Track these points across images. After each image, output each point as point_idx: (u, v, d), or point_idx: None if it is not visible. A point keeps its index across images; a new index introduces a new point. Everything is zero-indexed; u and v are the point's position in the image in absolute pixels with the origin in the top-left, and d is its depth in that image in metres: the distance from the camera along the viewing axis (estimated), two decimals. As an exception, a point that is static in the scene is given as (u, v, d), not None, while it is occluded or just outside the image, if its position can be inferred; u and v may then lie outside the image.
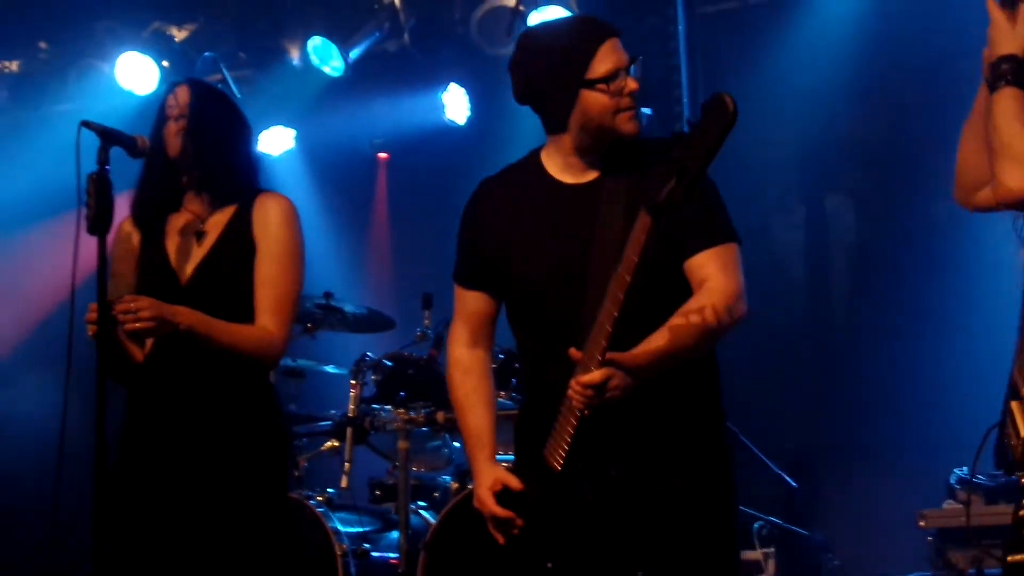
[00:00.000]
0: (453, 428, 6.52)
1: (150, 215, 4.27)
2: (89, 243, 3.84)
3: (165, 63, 8.86)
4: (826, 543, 7.27)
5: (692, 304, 3.60)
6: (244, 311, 4.12)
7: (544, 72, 3.73)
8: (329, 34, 8.58)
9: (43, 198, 8.46)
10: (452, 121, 8.88)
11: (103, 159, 3.89)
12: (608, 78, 3.69)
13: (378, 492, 7.00)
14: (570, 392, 3.44)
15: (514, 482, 3.74)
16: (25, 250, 9.13)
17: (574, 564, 3.65)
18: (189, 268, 4.16)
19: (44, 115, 9.23)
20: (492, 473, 3.81)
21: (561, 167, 3.83)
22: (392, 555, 6.46)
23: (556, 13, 7.86)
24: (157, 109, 4.31)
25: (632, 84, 3.71)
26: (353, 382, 6.67)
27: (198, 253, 4.18)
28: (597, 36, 3.73)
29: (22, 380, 8.85)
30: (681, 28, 8.00)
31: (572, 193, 3.80)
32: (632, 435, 3.66)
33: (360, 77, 8.82)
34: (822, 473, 7.72)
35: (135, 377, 4.13)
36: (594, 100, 3.69)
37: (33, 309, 9.04)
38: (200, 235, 4.21)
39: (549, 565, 3.65)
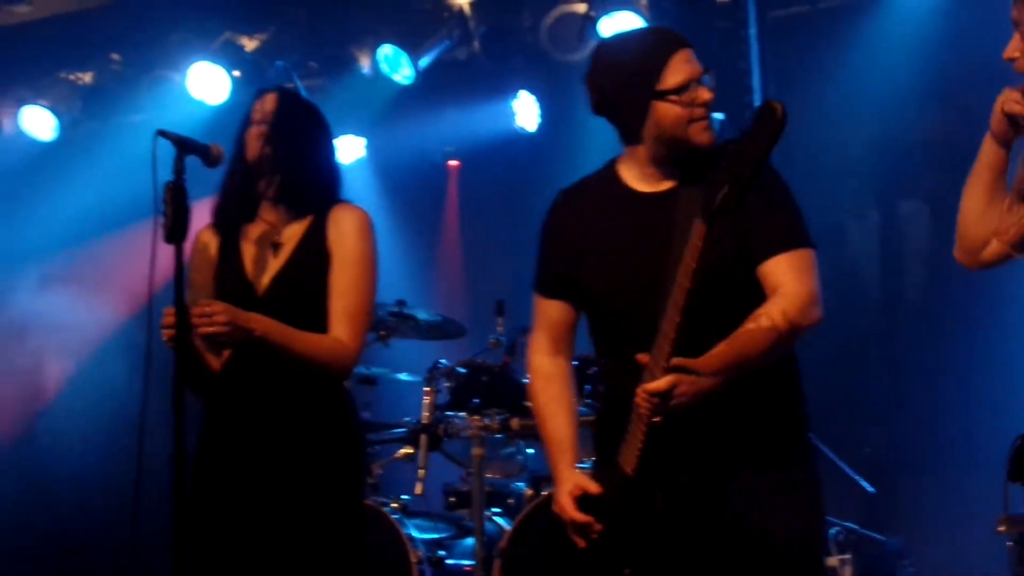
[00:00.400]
0: (527, 435, 6.52)
1: (229, 222, 4.29)
2: (166, 252, 3.86)
3: (236, 73, 8.92)
4: (903, 549, 7.19)
5: (764, 310, 3.58)
6: (319, 322, 4.13)
7: (616, 84, 3.75)
8: (399, 42, 8.61)
9: (117, 208, 8.56)
10: (523, 128, 8.89)
11: (179, 168, 3.90)
12: (680, 89, 3.69)
13: (452, 499, 7.00)
14: (636, 399, 3.44)
15: (593, 487, 3.73)
16: (101, 261, 9.20)
17: (651, 571, 3.63)
18: (265, 279, 4.17)
19: (117, 126, 9.30)
20: (572, 479, 3.80)
21: (637, 177, 3.83)
22: (467, 562, 6.46)
23: (626, 18, 7.86)
24: (243, 115, 4.33)
25: (705, 94, 3.71)
26: (427, 389, 6.67)
27: (274, 264, 4.18)
28: (669, 47, 3.73)
29: (101, 390, 8.91)
30: (752, 32, 7.95)
31: (648, 202, 3.79)
32: (703, 440, 3.63)
33: (430, 85, 8.84)
34: (899, 479, 7.66)
35: (212, 386, 4.14)
36: (667, 111, 3.69)
37: (111, 318, 9.10)
38: (276, 246, 4.22)
39: (627, 572, 3.63)
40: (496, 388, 6.66)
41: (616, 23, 7.86)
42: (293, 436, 4.06)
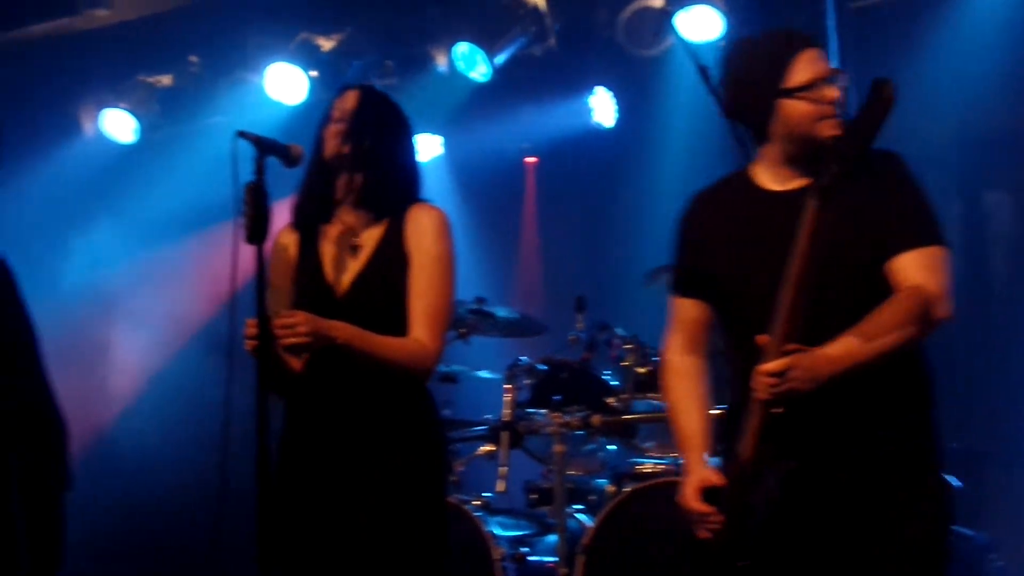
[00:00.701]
0: (608, 431, 6.50)
1: (307, 222, 4.29)
2: (247, 252, 3.86)
3: (313, 73, 8.95)
4: (991, 543, 7.10)
5: (889, 304, 3.58)
6: (399, 324, 4.12)
7: (744, 84, 3.82)
8: (475, 40, 8.60)
9: (197, 210, 8.62)
10: (599, 124, 8.85)
11: (259, 168, 3.90)
12: (806, 86, 3.72)
13: (534, 496, 6.99)
14: (752, 382, 3.47)
15: (717, 479, 3.76)
16: (182, 262, 9.27)
17: (765, 561, 3.67)
18: (345, 282, 4.16)
19: (196, 128, 9.37)
20: (699, 471, 3.85)
21: (770, 176, 3.87)
22: (549, 559, 6.45)
23: (704, 13, 7.81)
24: (322, 113, 4.33)
25: (832, 92, 3.72)
26: (507, 386, 6.67)
27: (354, 267, 4.17)
28: (795, 46, 3.77)
29: (183, 390, 8.97)
30: (831, 23, 7.88)
31: (780, 201, 3.81)
32: (820, 429, 3.64)
33: (506, 82, 8.83)
34: (985, 473, 7.56)
35: (293, 386, 4.15)
36: (793, 108, 3.74)
37: (194, 319, 9.16)
38: (355, 248, 4.21)
39: (743, 563, 3.67)
40: (576, 385, 6.65)
41: (693, 17, 7.82)
42: (375, 436, 4.06)
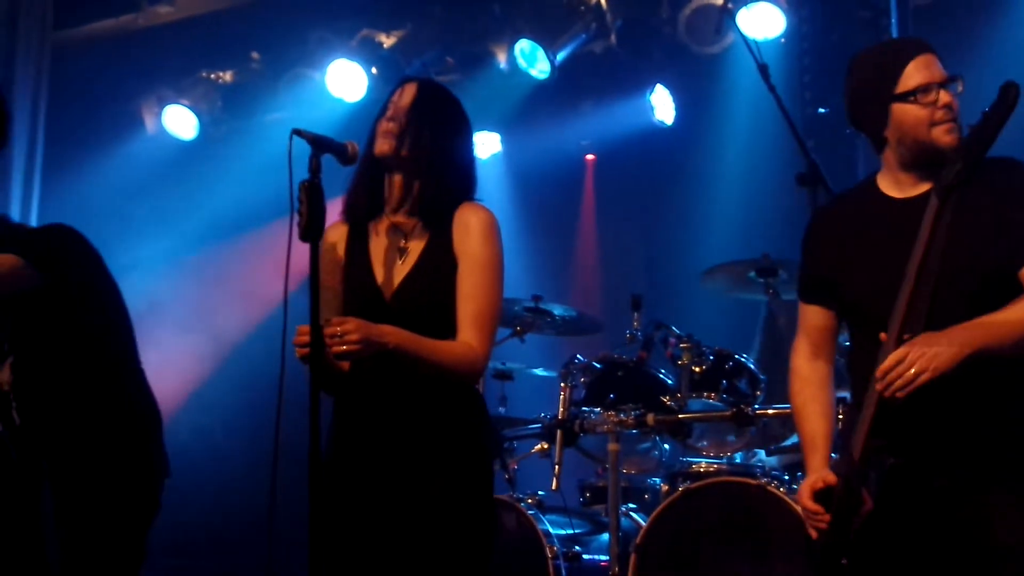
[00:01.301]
0: (663, 430, 6.48)
1: (356, 219, 4.27)
2: (302, 250, 3.87)
3: (374, 70, 8.99)
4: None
5: (1019, 301, 3.60)
6: (447, 325, 4.09)
7: (859, 91, 3.90)
8: (536, 37, 8.60)
9: (256, 206, 8.65)
10: (660, 122, 8.82)
11: (314, 166, 3.89)
12: (918, 90, 3.75)
13: (588, 494, 6.98)
14: (876, 375, 3.52)
15: (831, 478, 3.80)
16: (241, 258, 9.32)
17: (864, 559, 3.72)
18: (393, 284, 4.11)
19: (257, 125, 9.44)
20: (818, 472, 3.89)
21: (892, 183, 3.91)
22: (603, 557, 6.43)
23: (765, 10, 7.79)
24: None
25: (946, 97, 3.75)
26: (563, 384, 6.66)
27: (401, 269, 4.13)
28: (908, 52, 3.82)
29: (240, 386, 9.02)
30: (894, 21, 7.82)
31: (903, 207, 3.84)
32: (924, 426, 3.65)
33: (567, 79, 8.83)
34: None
35: (342, 388, 4.14)
36: (905, 113, 3.77)
37: (251, 315, 9.20)
38: (403, 250, 4.18)
39: (844, 562, 3.72)
40: (632, 383, 6.62)
41: (754, 15, 7.80)
42: (424, 438, 4.04)
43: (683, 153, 8.55)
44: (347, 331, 3.79)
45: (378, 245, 4.19)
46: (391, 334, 3.90)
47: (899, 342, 3.49)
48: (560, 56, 8.62)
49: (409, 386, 4.03)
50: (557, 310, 7.22)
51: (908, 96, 3.75)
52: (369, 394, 4.08)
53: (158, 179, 9.69)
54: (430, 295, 4.07)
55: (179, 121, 9.62)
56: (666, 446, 6.91)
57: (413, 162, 4.14)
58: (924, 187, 3.79)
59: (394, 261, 4.15)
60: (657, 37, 8.60)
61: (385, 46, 9.09)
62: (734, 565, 5.74)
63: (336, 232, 4.25)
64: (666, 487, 6.51)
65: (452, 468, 4.03)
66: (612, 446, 6.39)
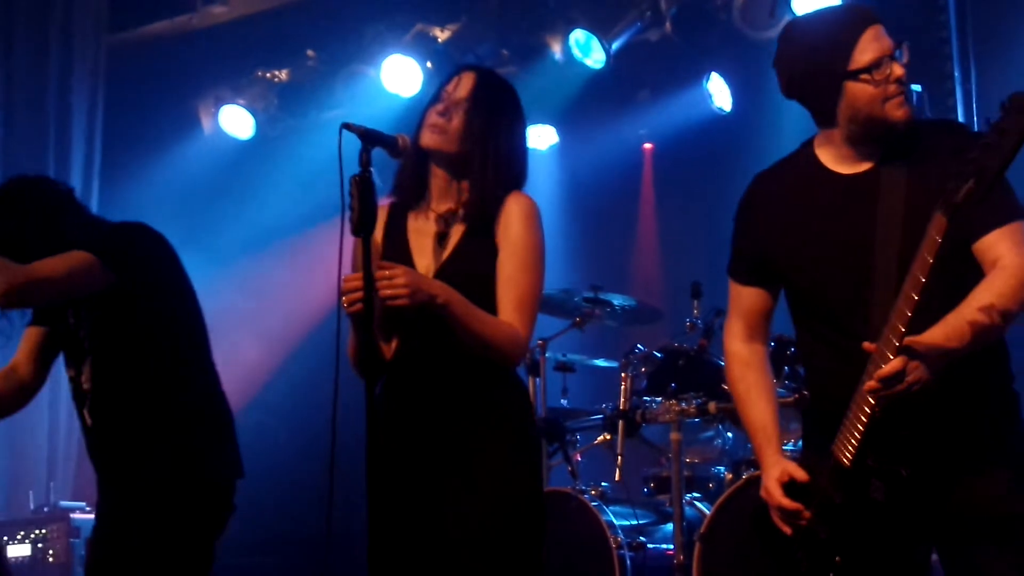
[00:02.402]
0: (726, 418, 6.45)
1: (397, 206, 4.25)
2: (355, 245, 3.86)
3: (429, 64, 8.99)
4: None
5: (986, 284, 3.50)
6: (487, 312, 4.08)
7: (807, 67, 3.70)
8: (590, 27, 8.57)
9: (315, 204, 8.66)
10: (719, 109, 8.77)
11: (365, 160, 3.87)
12: (871, 67, 3.61)
13: (652, 485, 6.96)
14: (866, 387, 3.41)
15: (801, 474, 3.70)
16: (302, 255, 9.34)
17: (864, 561, 3.62)
18: (432, 271, 4.10)
19: (313, 122, 9.45)
20: (779, 465, 3.78)
21: (835, 158, 3.77)
22: (668, 547, 6.41)
23: (820, -9, 7.72)
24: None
25: (898, 70, 3.63)
26: (624, 375, 6.64)
27: (441, 256, 4.13)
28: (856, 25, 3.65)
29: (300, 384, 9.05)
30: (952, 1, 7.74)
31: (849, 183, 3.73)
32: (926, 433, 3.57)
33: (623, 68, 8.79)
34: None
35: (383, 374, 4.12)
36: (860, 91, 3.63)
37: (312, 312, 9.23)
38: (443, 237, 4.16)
39: (838, 559, 3.63)
40: (693, 372, 6.59)
41: (809, -2, 7.73)
42: (467, 425, 4.00)
43: (740, 139, 8.50)
44: (395, 274, 3.78)
45: (417, 232, 4.17)
46: (442, 288, 3.88)
47: (898, 350, 3.37)
48: (615, 45, 8.58)
49: (452, 374, 4.01)
50: (617, 300, 7.20)
51: (862, 73, 3.60)
52: (409, 383, 4.06)
53: (216, 179, 9.73)
54: (469, 281, 4.03)
55: (236, 121, 9.65)
56: (729, 434, 6.88)
57: (461, 156, 4.11)
58: (869, 163, 3.70)
59: (434, 248, 4.13)
60: (712, 23, 8.54)
61: (440, 40, 9.09)
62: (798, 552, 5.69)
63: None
64: (730, 475, 6.49)
65: (497, 458, 4.00)
66: (674, 435, 6.37)
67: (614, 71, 8.72)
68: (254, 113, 9.61)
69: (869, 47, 3.61)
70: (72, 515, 7.65)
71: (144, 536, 4.58)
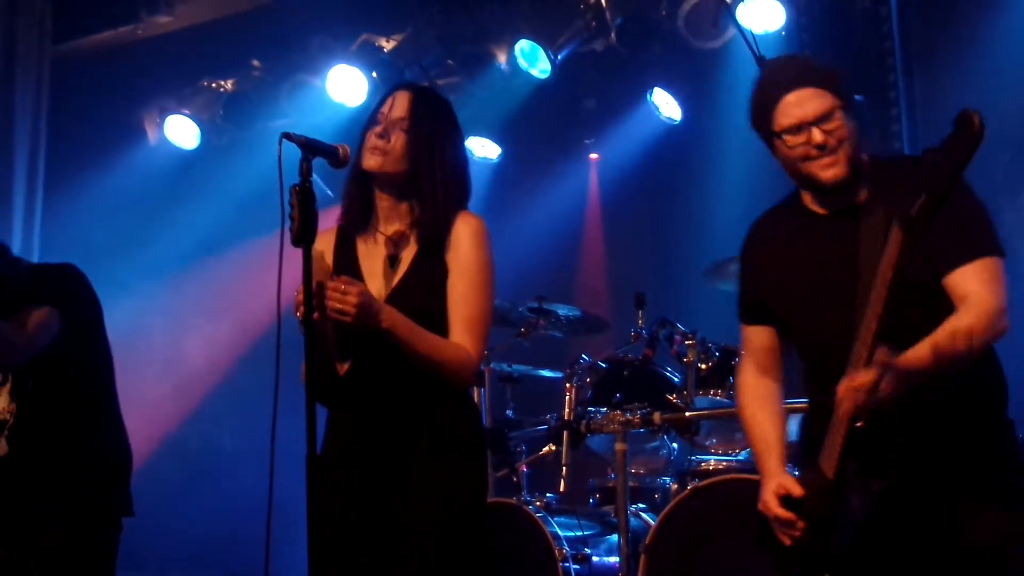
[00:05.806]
0: (671, 429, 6.45)
1: (346, 228, 4.25)
2: (296, 256, 3.84)
3: (374, 74, 8.97)
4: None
5: (953, 321, 3.54)
6: (438, 334, 4.07)
7: (751, 120, 3.88)
8: (536, 36, 8.57)
9: (261, 212, 8.62)
10: (669, 119, 8.79)
11: (305, 170, 3.86)
12: (789, 131, 3.75)
13: (598, 495, 6.96)
14: (839, 394, 3.46)
15: (796, 489, 3.77)
16: (241, 267, 9.30)
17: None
18: (383, 293, 4.08)
19: (259, 132, 9.40)
20: (777, 477, 3.89)
21: (814, 199, 3.91)
22: (613, 559, 6.40)
23: (766, 3, 7.73)
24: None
25: (817, 136, 3.73)
26: (568, 385, 6.64)
27: (392, 279, 4.12)
28: (780, 88, 3.79)
29: (239, 398, 9.02)
30: (894, 8, 7.77)
31: (829, 222, 3.86)
32: (901, 448, 3.63)
33: (568, 78, 8.80)
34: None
35: (334, 392, 4.11)
36: (784, 150, 3.80)
37: (250, 326, 9.19)
38: (393, 260, 4.15)
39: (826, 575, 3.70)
40: (638, 382, 6.59)
41: (753, 10, 7.73)
42: (417, 443, 4.01)
43: (686, 149, 8.52)
44: (350, 292, 3.78)
45: (367, 255, 4.18)
46: (389, 313, 3.89)
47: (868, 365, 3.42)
48: (560, 55, 8.59)
49: (402, 393, 4.01)
50: (561, 310, 7.20)
51: (784, 134, 3.74)
52: (362, 402, 4.06)
53: (161, 189, 9.66)
54: (421, 303, 4.05)
55: (181, 130, 9.60)
56: (674, 445, 6.88)
57: (405, 176, 4.11)
58: (847, 201, 3.81)
59: (385, 270, 4.13)
60: (657, 33, 8.53)
61: (385, 50, 9.07)
62: (744, 563, 5.69)
63: (323, 241, 4.20)
64: (675, 486, 6.48)
65: (445, 476, 4.01)
66: (619, 446, 6.36)
67: (560, 81, 8.73)
68: (199, 123, 9.55)
69: (788, 112, 3.76)
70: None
71: (43, 562, 4.66)
